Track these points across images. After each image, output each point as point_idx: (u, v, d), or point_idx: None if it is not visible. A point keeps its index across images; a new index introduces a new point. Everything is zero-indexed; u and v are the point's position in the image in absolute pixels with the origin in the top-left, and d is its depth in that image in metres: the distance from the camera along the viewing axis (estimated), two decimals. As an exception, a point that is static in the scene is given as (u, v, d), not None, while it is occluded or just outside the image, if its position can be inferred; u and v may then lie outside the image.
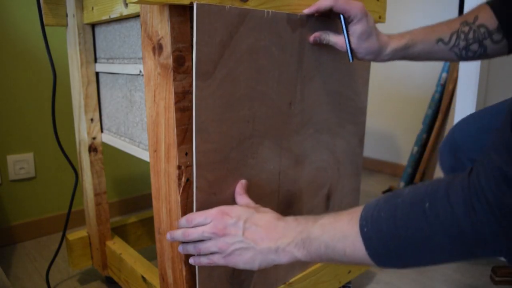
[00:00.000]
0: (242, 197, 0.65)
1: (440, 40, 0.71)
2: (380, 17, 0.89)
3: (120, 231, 1.11)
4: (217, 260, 0.59)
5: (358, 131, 0.93)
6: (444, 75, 1.75)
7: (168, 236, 0.63)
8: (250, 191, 0.70)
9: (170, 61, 0.59)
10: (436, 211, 0.42)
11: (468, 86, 1.26)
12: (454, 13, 1.80)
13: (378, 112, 2.19)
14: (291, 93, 0.73)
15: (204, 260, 0.61)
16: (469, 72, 1.26)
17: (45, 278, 1.04)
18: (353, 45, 0.69)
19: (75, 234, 1.06)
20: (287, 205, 0.79)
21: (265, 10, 0.65)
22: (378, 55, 0.71)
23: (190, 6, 0.59)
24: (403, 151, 2.11)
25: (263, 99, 0.68)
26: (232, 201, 0.67)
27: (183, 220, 0.62)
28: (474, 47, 0.69)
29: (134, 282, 0.90)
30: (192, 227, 0.61)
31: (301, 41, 0.73)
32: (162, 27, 0.59)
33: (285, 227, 0.57)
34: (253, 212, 0.60)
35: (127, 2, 0.60)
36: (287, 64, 0.71)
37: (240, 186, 0.67)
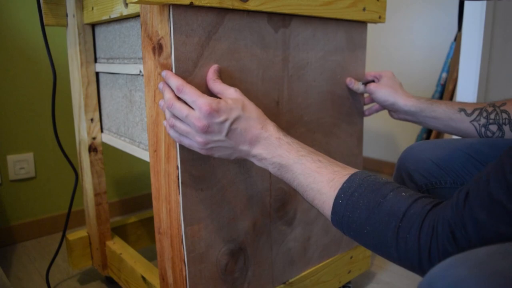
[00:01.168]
0: (216, 84, 0.61)
1: (462, 110, 0.75)
2: (380, 17, 0.89)
3: (120, 231, 1.11)
4: (194, 146, 0.59)
5: (355, 131, 0.93)
6: (444, 75, 1.75)
7: (160, 85, 0.61)
8: (239, 190, 0.70)
9: (170, 61, 0.59)
10: (403, 233, 0.46)
11: (468, 86, 1.26)
12: (454, 13, 1.80)
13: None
14: (277, 92, 0.73)
15: (184, 141, 0.60)
16: (469, 72, 1.26)
17: (45, 278, 1.04)
18: (373, 86, 0.86)
19: (75, 234, 1.06)
20: (280, 203, 0.79)
21: (245, 10, 0.65)
22: (396, 103, 0.82)
23: (191, 6, 0.59)
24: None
25: (248, 98, 0.67)
26: (220, 199, 0.67)
27: (174, 83, 0.58)
28: (493, 128, 0.72)
29: (134, 282, 0.90)
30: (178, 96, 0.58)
31: (285, 41, 0.73)
32: (162, 27, 0.59)
33: (267, 141, 0.58)
34: (241, 111, 0.58)
35: (127, 2, 0.60)
36: (271, 63, 0.71)
37: (212, 71, 0.62)
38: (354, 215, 0.50)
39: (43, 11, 0.89)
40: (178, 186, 0.63)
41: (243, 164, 0.70)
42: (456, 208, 0.43)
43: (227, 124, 0.56)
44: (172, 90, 0.59)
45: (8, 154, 1.31)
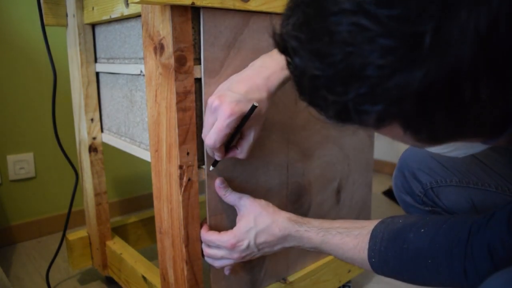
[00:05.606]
0: (227, 197, 0.67)
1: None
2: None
3: (120, 231, 1.11)
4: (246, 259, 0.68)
5: None
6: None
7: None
8: (259, 183, 0.74)
9: (172, 61, 0.59)
10: (437, 267, 0.50)
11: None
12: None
13: (378, 112, 2.19)
14: (295, 90, 0.75)
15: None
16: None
17: (45, 278, 1.04)
18: None
19: (75, 234, 1.06)
20: (296, 196, 0.82)
21: (268, 13, 0.67)
22: None
23: (192, 7, 0.59)
24: (403, 151, 2.11)
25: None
26: (241, 191, 0.69)
27: (202, 238, 0.68)
28: None
29: (134, 282, 0.90)
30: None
31: None
32: (163, 27, 0.59)
33: (290, 237, 0.64)
34: (255, 226, 0.65)
35: (128, 2, 0.60)
36: None
37: (219, 187, 0.67)
38: (389, 267, 0.55)
39: (43, 11, 0.89)
40: (181, 186, 0.63)
41: (263, 158, 0.73)
42: (496, 228, 0.47)
43: (251, 244, 0.64)
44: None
45: (8, 154, 1.31)
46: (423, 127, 0.32)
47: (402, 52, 0.27)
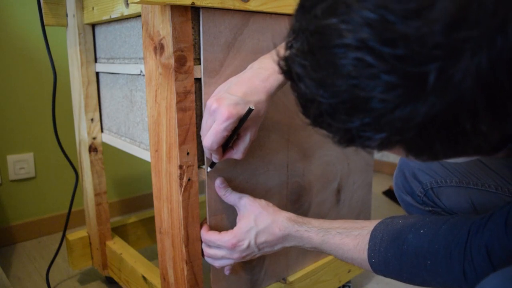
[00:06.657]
0: (227, 197, 0.68)
1: None
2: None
3: (120, 231, 1.11)
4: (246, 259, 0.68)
5: None
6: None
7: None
8: (259, 183, 0.74)
9: (172, 61, 0.59)
10: (436, 268, 0.51)
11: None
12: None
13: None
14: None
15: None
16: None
17: (45, 278, 1.04)
18: None
19: (75, 234, 1.06)
20: (296, 196, 0.82)
21: (267, 13, 0.67)
22: None
23: (192, 7, 0.59)
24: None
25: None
26: (241, 191, 0.70)
27: (202, 238, 0.68)
28: None
29: (134, 282, 0.90)
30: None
31: None
32: (163, 27, 0.59)
33: (290, 237, 0.64)
34: (255, 226, 0.65)
35: (128, 2, 0.60)
36: None
37: (220, 188, 0.67)
38: (389, 268, 0.55)
39: (43, 11, 0.89)
40: (181, 186, 0.63)
41: (263, 158, 0.73)
42: (494, 229, 0.47)
43: (252, 244, 0.64)
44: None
45: (8, 154, 1.31)
46: (425, 151, 0.33)
47: (406, 89, 0.28)
